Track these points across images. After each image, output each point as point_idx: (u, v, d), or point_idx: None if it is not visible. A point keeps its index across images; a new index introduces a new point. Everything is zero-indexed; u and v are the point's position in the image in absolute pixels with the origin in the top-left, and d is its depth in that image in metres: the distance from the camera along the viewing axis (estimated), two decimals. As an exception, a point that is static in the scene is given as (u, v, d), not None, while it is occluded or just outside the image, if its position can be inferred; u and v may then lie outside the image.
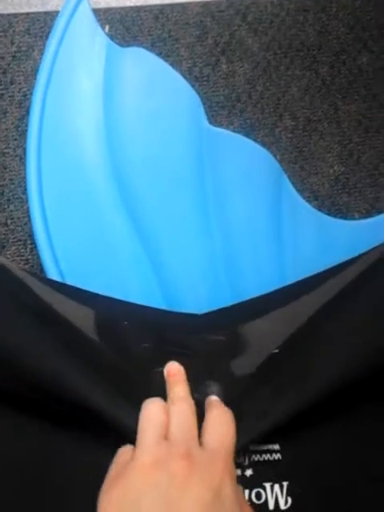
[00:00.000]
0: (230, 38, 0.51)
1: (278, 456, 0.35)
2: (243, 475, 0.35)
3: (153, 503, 0.27)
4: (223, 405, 0.33)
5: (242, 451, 0.35)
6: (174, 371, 0.36)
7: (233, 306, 0.40)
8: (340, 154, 0.50)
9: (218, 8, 0.51)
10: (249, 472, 0.35)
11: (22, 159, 0.47)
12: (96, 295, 0.39)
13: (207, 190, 0.45)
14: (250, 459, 0.35)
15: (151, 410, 0.32)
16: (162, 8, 0.50)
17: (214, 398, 0.34)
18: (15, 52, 0.48)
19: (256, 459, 0.35)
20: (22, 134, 0.47)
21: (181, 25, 0.50)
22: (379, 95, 0.51)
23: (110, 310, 0.39)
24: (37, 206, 0.43)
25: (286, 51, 0.51)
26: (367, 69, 0.52)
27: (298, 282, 0.40)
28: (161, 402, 0.32)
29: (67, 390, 0.32)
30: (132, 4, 0.50)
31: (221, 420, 0.32)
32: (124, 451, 0.31)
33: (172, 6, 0.51)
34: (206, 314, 0.39)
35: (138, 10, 0.50)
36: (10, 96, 0.48)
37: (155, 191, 0.45)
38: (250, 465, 0.35)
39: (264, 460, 0.35)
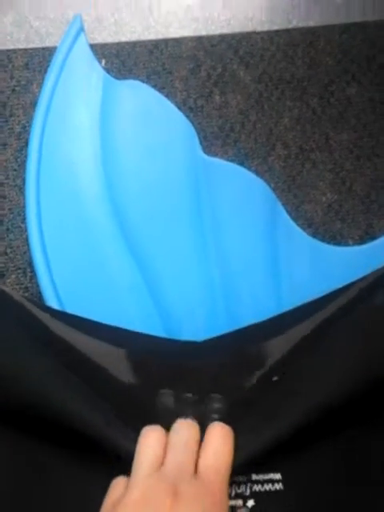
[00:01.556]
0: (222, 71, 0.52)
1: (280, 486, 0.35)
2: (245, 506, 0.34)
3: None
4: (225, 427, 0.32)
5: (244, 481, 0.35)
6: None
7: (230, 333, 0.40)
8: (332, 181, 0.51)
9: (211, 42, 0.53)
10: (251, 502, 0.34)
11: (21, 189, 0.47)
12: (95, 323, 0.39)
13: (204, 218, 0.46)
14: (251, 489, 0.34)
15: (149, 440, 0.32)
16: (156, 43, 0.52)
17: (216, 422, 0.34)
18: (14, 86, 0.49)
19: (258, 489, 0.35)
20: (21, 164, 0.48)
21: (175, 58, 0.52)
22: (369, 125, 0.53)
23: (109, 338, 0.39)
24: (36, 235, 0.43)
25: (276, 83, 0.53)
26: (356, 100, 0.53)
27: (293, 309, 0.40)
28: (159, 432, 0.32)
29: (67, 413, 0.32)
30: (127, 39, 0.52)
31: (219, 445, 0.32)
32: (117, 483, 0.31)
33: (166, 40, 0.52)
34: (205, 341, 0.40)
35: (133, 44, 0.52)
36: (9, 128, 0.49)
37: (152, 220, 0.45)
38: (252, 495, 0.34)
39: (266, 490, 0.35)
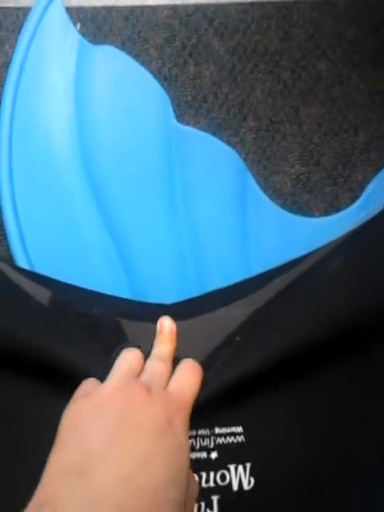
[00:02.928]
0: (197, 41, 0.53)
1: (241, 438, 0.37)
2: (209, 458, 0.36)
3: (115, 411, 0.29)
4: (196, 363, 0.35)
5: (207, 435, 0.37)
6: (166, 328, 0.38)
7: (199, 297, 0.42)
8: (301, 154, 0.52)
9: (186, 11, 0.53)
10: (214, 454, 0.36)
11: (-7, 151, 0.47)
12: (65, 284, 0.40)
13: (175, 185, 0.47)
14: (215, 442, 0.37)
15: (129, 356, 0.34)
16: (132, 9, 0.52)
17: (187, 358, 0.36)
18: (-14, 46, 0.49)
19: (221, 442, 0.37)
20: (-7, 126, 0.47)
21: (150, 26, 0.52)
22: (337, 100, 0.54)
23: (79, 298, 0.40)
24: (7, 197, 0.43)
25: (250, 55, 0.53)
26: (326, 75, 0.54)
27: (260, 274, 0.42)
28: (139, 353, 0.35)
29: (41, 348, 0.34)
30: (103, 4, 0.51)
31: (187, 373, 0.34)
32: (89, 381, 0.33)
33: (142, 7, 0.52)
34: (174, 304, 0.41)
35: (109, 10, 0.51)
36: (-20, 89, 0.48)
37: (124, 185, 0.46)
38: (215, 447, 0.37)
39: (228, 443, 0.37)
